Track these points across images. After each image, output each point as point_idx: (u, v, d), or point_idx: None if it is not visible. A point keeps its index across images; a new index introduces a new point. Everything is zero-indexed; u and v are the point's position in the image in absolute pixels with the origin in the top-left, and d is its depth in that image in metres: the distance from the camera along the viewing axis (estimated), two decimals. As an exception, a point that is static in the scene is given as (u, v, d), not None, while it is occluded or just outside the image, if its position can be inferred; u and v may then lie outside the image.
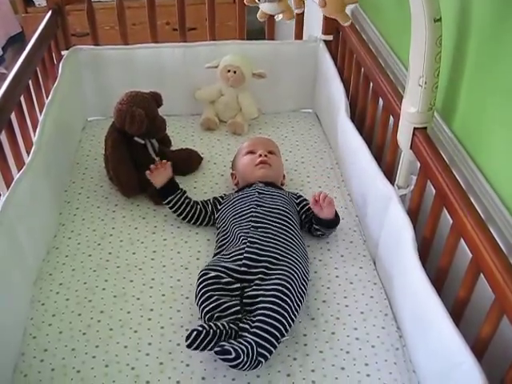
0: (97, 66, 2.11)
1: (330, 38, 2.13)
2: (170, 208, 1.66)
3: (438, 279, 1.28)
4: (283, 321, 1.26)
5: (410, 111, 1.37)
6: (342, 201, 1.78)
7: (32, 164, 1.53)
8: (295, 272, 1.36)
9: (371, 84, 1.75)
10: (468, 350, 1.05)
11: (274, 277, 1.34)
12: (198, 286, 1.34)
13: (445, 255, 1.28)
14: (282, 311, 1.26)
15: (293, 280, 1.33)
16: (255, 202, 1.55)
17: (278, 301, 1.28)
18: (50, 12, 2.03)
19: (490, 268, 1.06)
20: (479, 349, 1.09)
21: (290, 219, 1.53)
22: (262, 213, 1.51)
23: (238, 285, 1.35)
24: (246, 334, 1.22)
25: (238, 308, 1.30)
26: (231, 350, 1.16)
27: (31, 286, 1.46)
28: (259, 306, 1.28)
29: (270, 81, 2.12)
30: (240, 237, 1.46)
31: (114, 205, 1.76)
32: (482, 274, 1.11)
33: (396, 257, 1.38)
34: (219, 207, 1.64)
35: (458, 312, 1.19)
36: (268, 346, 1.22)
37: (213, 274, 1.35)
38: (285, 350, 1.31)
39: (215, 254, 1.50)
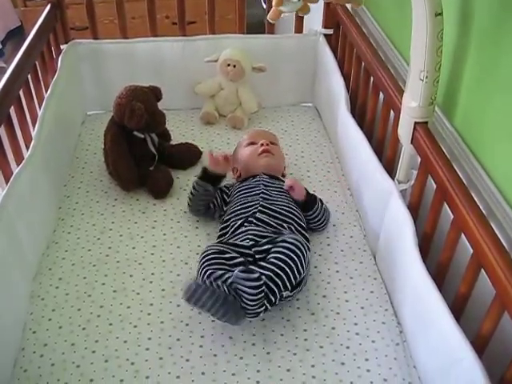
0: (96, 60, 2.11)
1: (330, 31, 2.12)
2: (194, 189, 1.63)
3: (439, 274, 1.28)
4: (293, 266, 1.30)
5: (411, 105, 1.36)
6: (342, 195, 1.77)
7: (31, 158, 1.52)
8: (302, 241, 1.38)
9: (372, 78, 1.74)
10: (468, 346, 1.05)
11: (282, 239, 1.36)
12: (200, 262, 1.35)
13: (445, 250, 1.27)
14: (294, 257, 1.31)
15: (301, 243, 1.35)
16: (261, 195, 1.55)
17: (288, 252, 1.31)
18: (48, 5, 2.02)
19: (491, 263, 1.05)
20: (480, 345, 1.09)
21: (296, 210, 1.54)
22: (268, 206, 1.51)
23: (241, 259, 1.35)
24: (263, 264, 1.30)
25: (241, 260, 1.34)
26: (254, 269, 1.23)
27: (31, 281, 1.46)
28: (270, 256, 1.33)
29: (270, 75, 2.11)
30: (246, 225, 1.47)
31: (114, 199, 1.76)
32: (482, 270, 1.11)
33: (396, 252, 1.38)
34: (227, 200, 1.63)
35: (458, 308, 1.19)
36: (279, 282, 1.28)
37: (214, 249, 1.37)
38: (285, 345, 1.31)
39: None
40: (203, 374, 1.25)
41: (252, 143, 1.75)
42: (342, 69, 1.99)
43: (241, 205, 1.54)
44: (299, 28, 2.21)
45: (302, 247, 1.34)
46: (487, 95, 1.25)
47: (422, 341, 1.23)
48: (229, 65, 2.03)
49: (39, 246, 1.54)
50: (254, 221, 1.46)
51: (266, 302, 1.27)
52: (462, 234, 1.20)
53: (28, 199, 1.47)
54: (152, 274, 1.50)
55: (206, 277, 1.31)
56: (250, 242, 1.40)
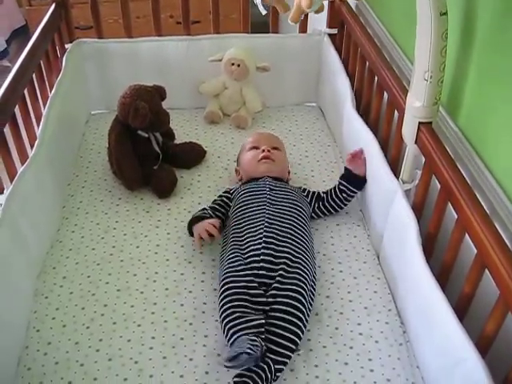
0: (100, 59, 2.11)
1: (334, 31, 2.12)
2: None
3: (443, 274, 1.28)
4: (298, 332, 1.26)
5: (415, 105, 1.36)
6: (346, 195, 1.77)
7: (35, 157, 1.53)
8: (307, 277, 1.36)
9: (376, 78, 1.73)
10: (472, 347, 1.05)
11: (287, 286, 1.32)
12: (222, 301, 1.31)
13: (449, 250, 1.27)
14: (297, 321, 1.27)
15: (304, 289, 1.32)
16: (268, 199, 1.53)
17: (291, 310, 1.27)
18: (53, 5, 2.03)
19: (495, 264, 1.05)
20: (483, 345, 1.09)
21: (302, 214, 1.53)
22: (276, 210, 1.50)
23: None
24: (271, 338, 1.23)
25: (262, 322, 1.26)
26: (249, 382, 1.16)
27: (35, 280, 1.47)
28: (274, 317, 1.27)
29: (274, 74, 2.11)
30: (255, 235, 1.43)
31: (118, 198, 1.76)
32: (486, 270, 1.11)
33: (400, 252, 1.38)
34: (230, 204, 1.62)
35: (462, 308, 1.19)
36: (283, 360, 1.22)
37: (234, 290, 1.31)
38: (288, 345, 1.31)
39: (223, 247, 1.49)
40: (207, 373, 1.25)
41: (254, 147, 1.74)
42: (347, 68, 1.99)
43: (246, 210, 1.52)
44: (303, 28, 2.21)
45: (304, 305, 1.29)
46: (491, 95, 1.25)
47: (426, 341, 1.23)
48: (233, 64, 2.03)
49: (43, 244, 1.55)
50: (265, 234, 1.42)
51: (278, 373, 1.22)
52: (466, 234, 1.19)
53: (32, 198, 1.47)
54: (156, 273, 1.50)
55: (234, 326, 1.25)
56: (261, 271, 1.34)
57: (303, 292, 1.31)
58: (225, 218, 1.60)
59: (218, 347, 1.30)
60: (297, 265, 1.37)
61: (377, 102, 1.76)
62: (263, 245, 1.39)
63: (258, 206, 1.52)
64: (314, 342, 1.32)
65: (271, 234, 1.42)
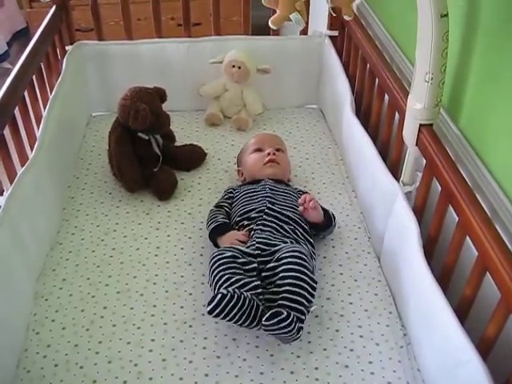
0: (101, 61, 2.11)
1: (335, 33, 2.12)
2: None
3: (444, 277, 1.28)
4: (307, 288, 1.26)
5: (416, 107, 1.36)
6: (347, 197, 1.77)
7: (36, 159, 1.52)
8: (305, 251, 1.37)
9: (377, 80, 1.73)
10: (473, 349, 1.04)
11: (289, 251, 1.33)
12: (212, 266, 1.32)
13: (450, 253, 1.27)
14: (305, 278, 1.27)
15: (305, 254, 1.33)
16: (268, 199, 1.53)
17: (298, 273, 1.28)
18: (54, 7, 2.03)
19: (496, 266, 1.05)
20: (485, 347, 1.09)
21: (300, 218, 1.52)
22: (274, 212, 1.50)
23: (255, 265, 1.34)
24: (279, 302, 1.24)
25: (258, 283, 1.29)
26: (282, 311, 1.18)
27: (34, 282, 1.46)
28: (281, 280, 1.28)
29: (275, 76, 2.11)
30: (251, 235, 1.45)
31: (118, 200, 1.76)
32: (488, 273, 1.10)
33: (401, 254, 1.37)
34: (232, 204, 1.62)
35: (463, 310, 1.18)
36: (301, 308, 1.24)
37: (228, 253, 1.34)
38: (288, 348, 1.30)
39: None
40: (206, 375, 1.25)
41: (259, 149, 1.74)
42: (347, 70, 1.99)
43: (246, 210, 1.53)
44: (304, 30, 2.21)
45: (306, 259, 1.31)
46: (492, 97, 1.25)
47: (427, 343, 1.22)
48: (234, 66, 2.03)
49: (43, 246, 1.54)
50: (260, 227, 1.45)
51: (300, 324, 1.22)
52: (467, 237, 1.19)
53: (32, 200, 1.47)
54: (156, 275, 1.49)
55: (224, 283, 1.27)
56: (256, 251, 1.38)
57: (305, 257, 1.31)
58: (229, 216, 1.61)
59: (218, 350, 1.30)
60: (297, 253, 1.37)
61: (377, 104, 1.76)
62: (259, 233, 1.42)
63: (256, 207, 1.52)
64: (315, 344, 1.31)
65: (269, 224, 1.45)
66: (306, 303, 1.26)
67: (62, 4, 2.05)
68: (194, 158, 1.91)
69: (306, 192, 1.66)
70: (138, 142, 1.75)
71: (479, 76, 1.30)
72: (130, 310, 1.39)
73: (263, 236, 1.42)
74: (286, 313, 1.18)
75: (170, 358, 1.28)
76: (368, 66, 1.80)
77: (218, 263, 1.32)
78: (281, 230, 1.45)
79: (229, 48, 2.07)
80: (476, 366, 1.02)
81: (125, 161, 1.72)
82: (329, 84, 2.11)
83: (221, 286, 1.28)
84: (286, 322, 1.18)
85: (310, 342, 1.32)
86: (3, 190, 1.49)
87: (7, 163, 1.53)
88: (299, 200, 1.53)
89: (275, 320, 1.18)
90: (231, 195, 1.65)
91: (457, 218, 1.23)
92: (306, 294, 1.26)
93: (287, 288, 1.26)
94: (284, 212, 1.51)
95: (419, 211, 1.40)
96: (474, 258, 1.15)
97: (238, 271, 1.31)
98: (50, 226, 1.60)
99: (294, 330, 1.19)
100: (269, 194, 1.55)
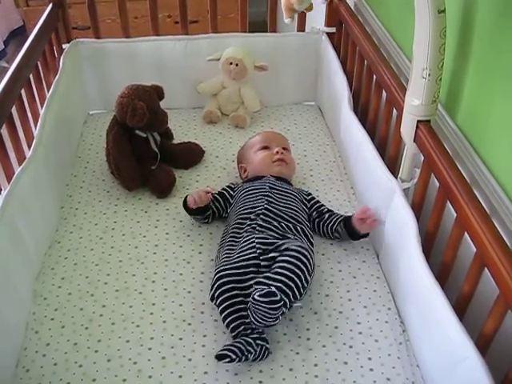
0: (98, 60, 2.10)
1: (332, 30, 2.12)
2: (190, 214, 1.63)
3: (442, 273, 1.28)
4: (301, 276, 1.30)
5: (414, 104, 1.36)
6: (345, 194, 1.77)
7: (33, 158, 1.52)
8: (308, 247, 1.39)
9: (374, 76, 1.73)
10: (472, 345, 1.04)
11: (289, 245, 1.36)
12: (217, 299, 1.31)
13: (449, 249, 1.27)
14: (302, 267, 1.31)
15: (306, 250, 1.34)
16: (267, 198, 1.53)
17: (296, 261, 1.31)
18: (50, 5, 2.02)
19: (495, 262, 1.05)
20: (483, 343, 1.09)
21: (300, 214, 1.52)
22: (273, 210, 1.49)
23: (255, 280, 1.33)
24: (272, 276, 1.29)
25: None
26: (276, 292, 1.23)
27: (33, 281, 1.46)
28: (277, 266, 1.32)
29: (273, 73, 2.10)
30: (250, 231, 1.45)
31: (116, 198, 1.76)
32: (486, 269, 1.11)
33: (399, 251, 1.38)
34: (231, 201, 1.62)
35: (461, 307, 1.18)
36: (289, 296, 1.28)
37: (227, 278, 1.32)
38: (287, 345, 1.30)
39: (220, 245, 1.49)
40: (206, 373, 1.25)
41: (266, 147, 1.73)
42: (345, 67, 1.99)
43: (245, 208, 1.52)
44: (302, 26, 2.20)
45: (307, 255, 1.33)
46: (490, 93, 1.25)
47: (426, 340, 1.22)
48: (231, 63, 2.02)
49: (41, 245, 1.54)
50: (259, 227, 1.44)
51: (284, 310, 1.28)
52: (466, 233, 1.19)
53: (30, 199, 1.46)
54: (154, 273, 1.49)
55: (231, 323, 1.28)
56: (258, 251, 1.37)
57: (306, 253, 1.33)
58: (224, 206, 1.62)
59: (217, 347, 1.29)
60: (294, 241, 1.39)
61: (375, 100, 1.76)
62: (259, 234, 1.42)
63: (256, 205, 1.51)
64: (314, 341, 1.32)
65: (268, 224, 1.45)
66: (296, 293, 1.30)
67: (59, 2, 2.05)
68: (191, 155, 1.91)
69: (309, 193, 1.66)
70: (136, 139, 1.75)
71: (477, 72, 1.30)
72: (128, 309, 1.39)
73: (262, 236, 1.41)
74: (279, 296, 1.23)
75: (169, 355, 1.28)
76: (366, 62, 1.80)
77: (221, 298, 1.30)
78: (280, 228, 1.45)
79: (226, 45, 2.07)
80: (475, 362, 1.02)
81: (123, 159, 1.72)
82: (326, 81, 2.11)
83: (228, 324, 1.29)
84: (277, 305, 1.22)
85: (308, 339, 1.32)
86: (1, 189, 1.48)
87: (5, 162, 1.53)
88: (358, 211, 1.51)
89: (267, 299, 1.21)
90: (231, 191, 1.64)
91: (455, 214, 1.23)
92: (299, 284, 1.29)
93: (285, 272, 1.29)
94: (283, 209, 1.50)
95: (417, 208, 1.40)
96: (473, 254, 1.15)
97: (239, 298, 1.30)
98: (48, 224, 1.60)
99: (278, 315, 1.25)
100: (268, 192, 1.55)
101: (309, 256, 1.33)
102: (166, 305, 1.40)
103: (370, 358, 1.28)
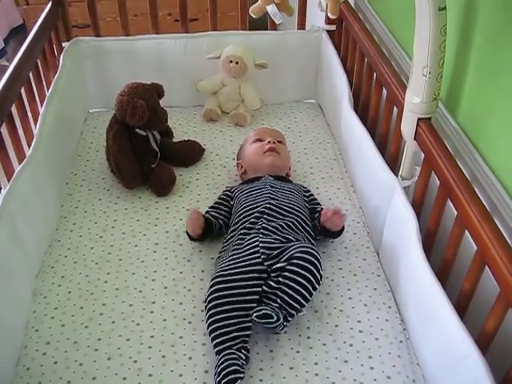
0: (98, 58, 2.10)
1: (332, 27, 2.11)
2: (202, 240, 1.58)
3: (443, 271, 1.27)
4: (309, 287, 1.29)
5: (414, 101, 1.35)
6: (346, 192, 1.76)
7: (33, 156, 1.52)
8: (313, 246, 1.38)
9: (375, 74, 1.73)
10: (473, 343, 1.04)
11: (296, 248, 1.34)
12: (209, 311, 1.28)
13: (449, 247, 1.26)
14: (311, 278, 1.29)
15: (316, 256, 1.32)
16: (268, 196, 1.52)
17: (304, 273, 1.29)
18: (50, 3, 2.02)
19: (495, 260, 1.05)
20: (484, 342, 1.09)
21: (303, 215, 1.51)
22: (276, 208, 1.48)
23: (255, 296, 1.31)
24: (278, 294, 1.29)
25: (249, 324, 1.28)
26: (273, 314, 1.24)
27: (33, 279, 1.46)
28: (286, 273, 1.31)
29: (273, 71, 2.10)
30: (253, 235, 1.43)
31: (116, 197, 1.75)
32: (487, 267, 1.10)
33: (400, 249, 1.37)
34: (231, 204, 1.61)
35: (462, 305, 1.18)
36: (294, 309, 1.29)
37: (223, 285, 1.30)
38: (288, 343, 1.30)
39: (223, 246, 1.49)
40: (206, 372, 1.24)
41: (259, 140, 1.74)
42: (345, 65, 1.98)
43: (248, 208, 1.51)
44: (302, 24, 2.20)
45: (316, 261, 1.30)
46: (491, 91, 1.25)
47: (426, 338, 1.22)
48: (231, 61, 2.02)
49: (41, 244, 1.54)
50: (263, 230, 1.42)
51: (286, 323, 1.29)
52: (466, 231, 1.19)
53: (30, 197, 1.46)
54: (154, 271, 1.49)
55: (218, 341, 1.24)
56: (262, 256, 1.35)
57: (315, 259, 1.31)
58: (228, 215, 1.59)
59: (218, 346, 1.30)
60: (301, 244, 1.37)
61: (376, 98, 1.76)
62: (262, 237, 1.40)
63: (257, 207, 1.50)
64: (314, 339, 1.31)
65: (269, 228, 1.43)
66: (302, 305, 1.30)
67: (59, 0, 2.05)
68: (192, 153, 1.90)
69: (308, 190, 1.66)
70: (136, 138, 1.75)
71: (478, 70, 1.30)
72: (129, 307, 1.39)
73: (267, 240, 1.39)
74: (275, 317, 1.24)
75: (169, 354, 1.28)
76: (366, 60, 1.80)
77: (213, 312, 1.27)
78: (285, 227, 1.44)
79: (226, 43, 2.06)
80: (475, 361, 1.02)
81: (123, 157, 1.72)
82: (327, 78, 2.11)
83: (216, 345, 1.25)
84: (274, 325, 1.25)
85: (309, 338, 1.32)
86: (1, 188, 1.48)
87: (4, 160, 1.53)
88: (322, 216, 1.48)
89: (263, 321, 1.25)
90: (229, 194, 1.64)
91: (455, 212, 1.22)
92: (306, 295, 1.29)
93: (290, 284, 1.29)
94: (285, 207, 1.50)
95: (418, 205, 1.40)
96: (473, 252, 1.15)
97: (232, 314, 1.27)
98: (48, 223, 1.60)
99: (279, 330, 1.28)
100: (269, 191, 1.54)
101: (316, 262, 1.30)
102: (166, 303, 1.40)
103: (370, 357, 1.28)
